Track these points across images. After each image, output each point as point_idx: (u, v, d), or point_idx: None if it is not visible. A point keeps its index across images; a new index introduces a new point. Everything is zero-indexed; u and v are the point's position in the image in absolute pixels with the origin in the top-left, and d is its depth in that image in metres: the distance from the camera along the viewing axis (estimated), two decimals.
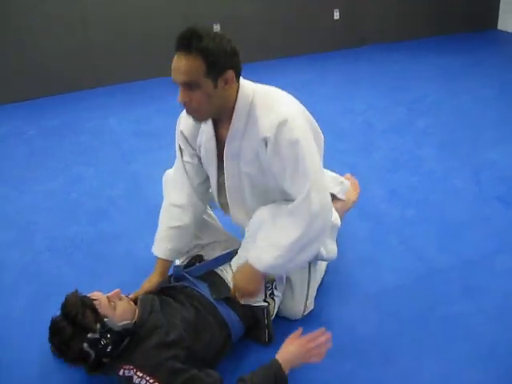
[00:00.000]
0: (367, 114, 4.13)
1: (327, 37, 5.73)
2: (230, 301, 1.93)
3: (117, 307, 1.74)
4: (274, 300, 2.00)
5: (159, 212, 2.09)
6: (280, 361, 1.68)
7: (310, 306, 2.11)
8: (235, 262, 2.03)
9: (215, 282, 2.00)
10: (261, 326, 1.95)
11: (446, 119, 3.97)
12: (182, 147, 1.97)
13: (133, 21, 4.95)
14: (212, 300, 1.92)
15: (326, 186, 1.79)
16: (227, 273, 2.05)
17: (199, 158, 1.96)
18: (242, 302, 1.90)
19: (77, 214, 2.99)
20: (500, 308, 2.11)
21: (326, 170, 2.00)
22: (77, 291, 1.75)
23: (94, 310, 1.67)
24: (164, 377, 1.62)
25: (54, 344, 1.69)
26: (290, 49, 5.62)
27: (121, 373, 1.68)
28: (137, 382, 1.63)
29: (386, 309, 2.15)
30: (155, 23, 5.00)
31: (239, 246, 2.07)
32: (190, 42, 1.55)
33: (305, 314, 2.10)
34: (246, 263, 1.81)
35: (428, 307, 2.14)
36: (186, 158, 1.98)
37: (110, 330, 1.67)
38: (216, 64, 1.58)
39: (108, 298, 1.76)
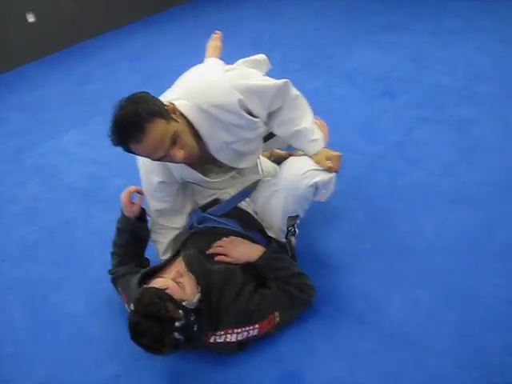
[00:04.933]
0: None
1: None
2: (262, 232, 2.06)
3: (185, 286, 1.69)
4: (294, 235, 2.10)
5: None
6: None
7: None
8: (256, 195, 2.09)
9: (242, 216, 2.07)
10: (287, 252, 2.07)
11: (293, 47, 4.37)
12: (158, 194, 1.97)
13: None
14: (246, 232, 2.01)
15: None
16: (248, 206, 2.11)
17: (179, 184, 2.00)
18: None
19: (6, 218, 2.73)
20: (432, 159, 2.65)
21: None
22: (146, 286, 1.67)
23: (172, 300, 1.59)
24: (256, 317, 1.75)
25: (144, 345, 1.57)
26: (108, 23, 5.51)
27: (211, 340, 1.73)
28: (233, 339, 1.72)
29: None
30: None
31: (252, 183, 2.12)
32: (141, 124, 1.54)
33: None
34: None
35: (389, 182, 2.56)
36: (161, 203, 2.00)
37: (191, 311, 1.64)
38: (163, 109, 1.61)
39: (173, 280, 1.70)
